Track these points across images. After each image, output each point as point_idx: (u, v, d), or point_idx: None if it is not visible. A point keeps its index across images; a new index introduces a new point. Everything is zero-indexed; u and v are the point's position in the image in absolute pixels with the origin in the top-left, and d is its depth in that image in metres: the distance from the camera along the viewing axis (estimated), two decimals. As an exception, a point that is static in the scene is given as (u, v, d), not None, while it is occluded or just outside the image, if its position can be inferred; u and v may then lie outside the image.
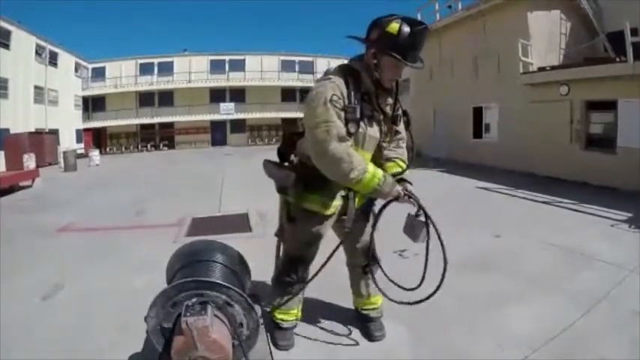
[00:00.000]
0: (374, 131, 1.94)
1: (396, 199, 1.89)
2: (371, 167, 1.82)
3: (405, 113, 2.09)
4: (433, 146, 13.53)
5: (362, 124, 1.85)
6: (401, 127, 2.14)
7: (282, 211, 2.13)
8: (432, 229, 1.87)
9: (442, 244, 1.80)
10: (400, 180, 1.97)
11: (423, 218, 1.89)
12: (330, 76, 1.86)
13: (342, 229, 2.12)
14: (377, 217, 2.12)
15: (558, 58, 10.62)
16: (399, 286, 2.08)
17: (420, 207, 1.87)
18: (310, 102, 1.82)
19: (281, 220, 2.16)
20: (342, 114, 1.77)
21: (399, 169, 2.08)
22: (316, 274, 2.03)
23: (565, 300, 2.74)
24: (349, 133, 1.79)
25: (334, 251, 2.02)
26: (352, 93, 1.81)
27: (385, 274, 2.18)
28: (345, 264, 2.36)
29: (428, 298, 1.89)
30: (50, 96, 22.44)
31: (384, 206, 2.06)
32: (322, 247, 2.14)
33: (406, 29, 1.73)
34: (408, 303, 1.97)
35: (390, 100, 2.02)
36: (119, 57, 29.48)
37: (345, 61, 2.01)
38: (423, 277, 1.96)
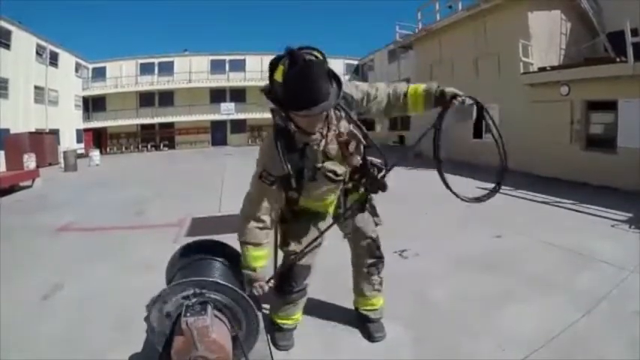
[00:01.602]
0: (319, 187, 1.85)
1: (447, 109, 1.94)
2: (257, 254, 1.81)
3: (351, 135, 1.82)
4: (433, 147, 13.50)
5: (305, 186, 1.81)
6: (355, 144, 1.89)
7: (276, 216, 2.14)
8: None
9: (495, 126, 2.03)
10: (443, 90, 1.94)
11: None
12: (263, 144, 1.83)
13: (344, 226, 2.13)
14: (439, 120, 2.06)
15: (559, 58, 10.62)
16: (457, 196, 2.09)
17: (472, 98, 1.99)
18: (256, 162, 1.84)
19: (276, 225, 2.12)
20: (273, 188, 1.77)
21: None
22: (310, 244, 2.00)
23: (565, 300, 2.74)
24: (292, 197, 1.86)
25: (325, 230, 2.00)
26: (284, 158, 1.70)
27: (445, 183, 2.14)
28: (351, 263, 2.36)
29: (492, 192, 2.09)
30: (50, 96, 22.43)
31: (442, 115, 2.03)
32: (329, 251, 2.14)
33: (289, 73, 1.47)
34: (476, 199, 2.13)
35: (342, 122, 1.83)
36: (119, 57, 29.47)
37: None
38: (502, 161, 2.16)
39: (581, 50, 10.31)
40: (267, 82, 1.59)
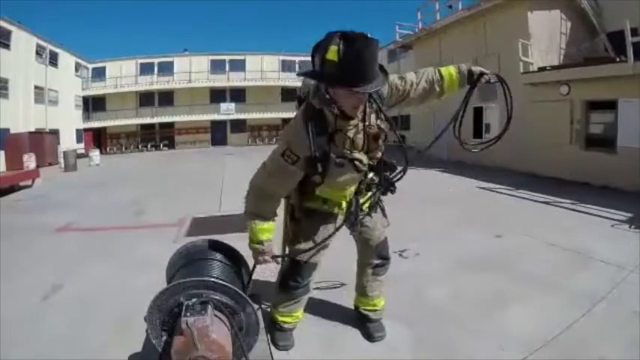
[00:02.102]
0: (342, 172, 1.81)
1: (475, 86, 2.10)
2: (263, 227, 1.82)
3: (380, 128, 1.87)
4: (433, 146, 13.50)
5: (330, 171, 1.77)
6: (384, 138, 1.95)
7: (286, 212, 2.13)
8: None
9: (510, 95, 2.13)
10: (470, 69, 2.09)
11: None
12: (293, 123, 1.81)
13: (354, 225, 2.12)
14: (461, 110, 2.17)
15: (558, 58, 10.62)
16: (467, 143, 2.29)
17: (497, 75, 2.15)
18: (279, 139, 1.86)
19: (285, 221, 2.15)
20: (294, 166, 1.75)
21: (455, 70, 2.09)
22: (316, 245, 2.00)
23: (565, 300, 2.74)
24: (316, 181, 1.84)
25: (334, 232, 1.99)
26: (313, 141, 1.69)
27: (457, 136, 2.24)
28: (357, 263, 2.36)
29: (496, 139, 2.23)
30: (50, 96, 22.42)
31: (470, 91, 2.13)
32: (329, 251, 2.14)
33: (347, 50, 1.49)
34: (482, 143, 2.28)
35: (372, 115, 1.86)
36: (119, 57, 29.44)
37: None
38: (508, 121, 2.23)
39: (581, 50, 10.31)
40: (311, 66, 1.62)
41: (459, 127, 2.16)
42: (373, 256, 2.24)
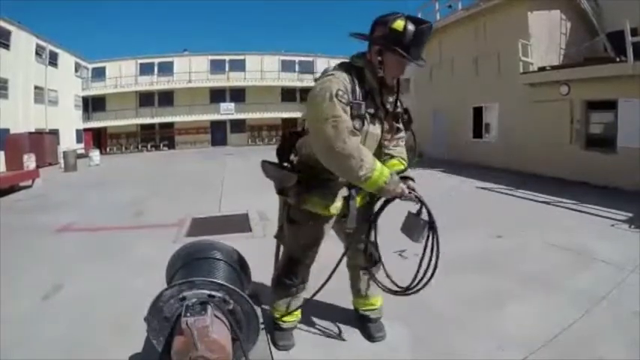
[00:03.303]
0: (376, 129, 1.91)
1: (400, 196, 1.84)
2: (378, 164, 1.76)
3: (406, 111, 2.07)
4: (433, 146, 13.53)
5: (365, 121, 1.83)
6: (401, 126, 2.11)
7: (283, 212, 2.12)
8: (426, 231, 1.87)
9: (437, 247, 1.83)
10: (404, 177, 1.96)
11: (424, 217, 1.86)
12: (334, 72, 1.84)
13: (343, 229, 2.12)
14: (377, 214, 2.06)
15: (558, 58, 10.62)
16: (396, 285, 2.08)
17: (424, 204, 1.86)
18: (314, 97, 1.74)
19: (281, 221, 2.14)
20: (348, 109, 1.73)
21: (402, 167, 2.06)
22: (325, 283, 2.05)
23: (565, 300, 2.74)
24: (356, 126, 1.75)
25: (341, 259, 2.06)
26: (356, 88, 1.81)
27: (385, 272, 2.18)
28: (346, 265, 2.35)
29: (416, 289, 1.94)
30: (50, 96, 22.43)
31: (385, 203, 2.01)
32: (322, 251, 2.14)
33: (411, 27, 1.74)
34: (396, 293, 2.05)
35: (391, 99, 2.00)
36: (119, 57, 29.48)
37: (346, 60, 1.98)
38: (415, 277, 1.91)
39: (581, 50, 10.31)
40: (376, 29, 1.84)
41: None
42: (362, 259, 2.22)
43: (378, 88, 1.88)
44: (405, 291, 1.99)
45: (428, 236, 1.85)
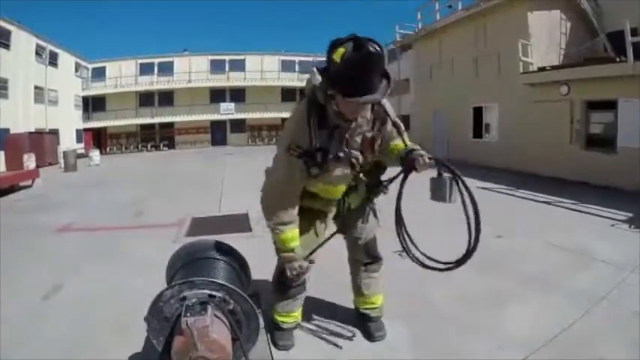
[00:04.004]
0: (341, 170, 1.84)
1: (412, 170, 1.75)
2: (292, 233, 1.81)
3: (395, 125, 1.89)
4: (433, 146, 13.54)
5: (326, 165, 1.77)
6: (394, 134, 1.95)
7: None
8: (455, 187, 1.71)
9: (471, 197, 1.63)
10: (410, 151, 1.81)
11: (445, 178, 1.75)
12: (296, 113, 1.80)
13: (342, 225, 2.13)
14: (398, 200, 1.87)
15: (558, 58, 10.62)
16: (433, 260, 1.89)
17: (442, 163, 1.74)
18: (278, 140, 1.84)
19: None
20: (300, 161, 1.74)
21: (402, 146, 1.91)
22: (312, 252, 2.00)
23: (565, 300, 2.74)
24: (313, 173, 1.77)
25: (329, 238, 2.01)
26: (315, 133, 1.70)
27: (417, 248, 1.95)
28: (347, 260, 2.36)
29: (463, 261, 1.75)
30: (50, 96, 22.41)
31: (403, 180, 1.82)
32: (323, 250, 2.14)
33: (350, 57, 1.48)
34: (440, 269, 1.84)
35: (366, 127, 1.84)
36: (119, 57, 29.46)
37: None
38: (469, 245, 1.71)
39: (581, 50, 10.31)
40: (325, 60, 1.60)
41: (402, 239, 1.90)
42: (363, 255, 2.24)
43: (344, 123, 1.74)
44: (464, 259, 1.75)
45: (460, 192, 1.67)
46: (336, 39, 1.55)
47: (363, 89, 1.53)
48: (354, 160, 1.82)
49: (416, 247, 1.93)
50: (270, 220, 1.85)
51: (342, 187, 2.00)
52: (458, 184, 1.67)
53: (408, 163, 1.77)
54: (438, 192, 1.77)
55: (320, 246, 2.01)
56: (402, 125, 1.92)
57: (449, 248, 1.83)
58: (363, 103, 1.61)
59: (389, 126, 1.93)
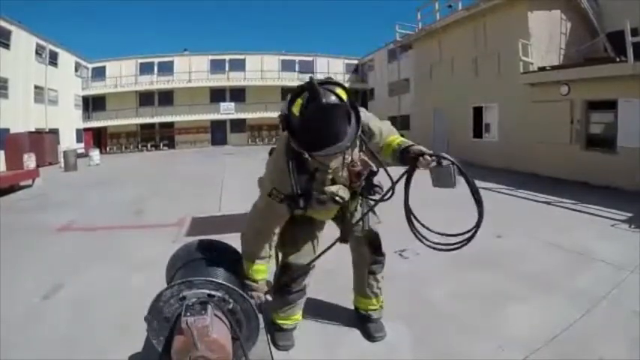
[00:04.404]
0: (324, 207, 1.84)
1: (415, 169, 1.78)
2: (263, 267, 1.82)
3: (372, 155, 1.83)
4: (433, 146, 13.49)
5: (311, 206, 1.78)
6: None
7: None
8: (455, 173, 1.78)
9: (471, 184, 1.75)
10: (409, 147, 1.84)
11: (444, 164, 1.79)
12: (274, 164, 1.78)
13: (343, 232, 2.13)
14: (406, 195, 1.89)
15: (558, 58, 10.62)
16: (439, 234, 1.97)
17: (441, 156, 1.76)
18: (260, 180, 1.84)
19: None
20: (283, 205, 1.75)
21: (400, 139, 1.94)
22: (312, 261, 2.00)
23: (565, 300, 2.74)
24: (297, 215, 1.83)
25: (330, 246, 1.97)
26: (294, 179, 1.68)
27: (422, 224, 2.01)
28: (352, 263, 2.36)
29: (468, 239, 1.88)
30: (50, 96, 22.39)
31: (408, 178, 1.84)
32: (325, 254, 2.14)
33: (308, 111, 1.42)
34: (447, 249, 1.92)
35: (355, 150, 1.80)
36: (119, 57, 29.41)
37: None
38: (478, 222, 1.84)
39: (581, 50, 10.31)
40: (287, 110, 1.53)
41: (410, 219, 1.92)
42: (367, 255, 2.24)
43: (320, 165, 1.70)
44: (469, 238, 1.89)
45: (464, 174, 1.77)
46: (296, 87, 1.50)
47: (327, 141, 1.47)
48: (338, 199, 1.81)
49: (428, 228, 2.00)
50: (244, 248, 1.85)
51: (334, 212, 2.03)
52: (460, 170, 1.76)
53: (411, 163, 1.79)
54: (443, 179, 1.83)
55: (319, 256, 1.98)
56: (380, 157, 1.84)
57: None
58: (329, 155, 1.53)
59: (376, 138, 1.91)
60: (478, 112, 12.23)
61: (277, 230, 1.91)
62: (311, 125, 1.45)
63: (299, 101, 1.45)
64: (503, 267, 3.43)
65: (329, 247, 1.91)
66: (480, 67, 11.86)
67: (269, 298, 1.87)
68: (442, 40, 13.44)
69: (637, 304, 2.61)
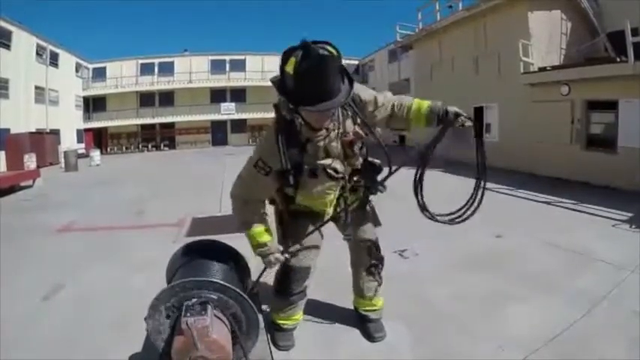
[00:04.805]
0: (321, 184, 1.84)
1: (447, 128, 1.76)
2: (259, 229, 1.82)
3: (363, 123, 1.81)
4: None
5: (303, 182, 1.79)
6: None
7: (276, 218, 2.16)
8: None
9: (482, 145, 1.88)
10: (446, 113, 1.79)
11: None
12: (267, 131, 1.81)
13: (344, 227, 2.13)
14: (420, 177, 1.89)
15: (559, 58, 10.61)
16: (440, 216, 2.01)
17: (460, 114, 1.77)
18: (251, 155, 1.85)
19: (277, 228, 2.15)
20: (267, 178, 1.76)
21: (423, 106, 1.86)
22: (308, 234, 1.97)
23: (565, 300, 2.74)
24: (289, 193, 1.88)
25: (324, 224, 1.99)
26: (284, 154, 1.68)
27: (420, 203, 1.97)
28: (350, 264, 2.36)
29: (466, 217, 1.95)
30: (51, 96, 22.42)
31: (442, 135, 1.81)
32: (323, 252, 2.14)
33: (302, 66, 1.42)
34: (449, 222, 2.00)
35: (348, 121, 1.82)
36: (120, 57, 29.47)
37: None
38: (475, 193, 1.95)
39: (581, 50, 10.30)
40: (278, 73, 1.54)
41: (419, 190, 1.90)
42: (366, 257, 2.24)
43: (312, 135, 1.72)
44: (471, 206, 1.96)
45: (478, 134, 1.88)
46: (288, 48, 1.48)
47: (321, 96, 1.47)
48: (331, 172, 1.79)
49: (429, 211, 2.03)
50: (237, 220, 1.88)
51: (331, 197, 1.96)
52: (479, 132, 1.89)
53: (447, 123, 1.77)
54: (464, 139, 1.98)
55: (313, 231, 1.96)
56: (371, 127, 1.82)
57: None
58: (324, 111, 1.55)
59: (370, 107, 1.87)
60: (479, 112, 12.22)
61: (264, 198, 1.93)
62: (306, 79, 1.44)
63: (292, 60, 1.45)
64: (504, 267, 3.43)
65: (322, 225, 1.95)
66: (480, 68, 11.85)
67: (287, 256, 1.88)
68: (442, 40, 13.43)
69: (637, 304, 2.61)
